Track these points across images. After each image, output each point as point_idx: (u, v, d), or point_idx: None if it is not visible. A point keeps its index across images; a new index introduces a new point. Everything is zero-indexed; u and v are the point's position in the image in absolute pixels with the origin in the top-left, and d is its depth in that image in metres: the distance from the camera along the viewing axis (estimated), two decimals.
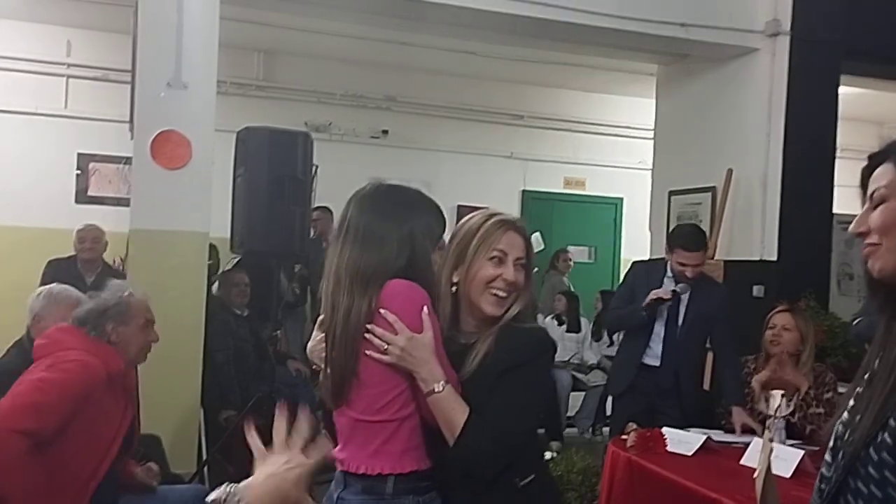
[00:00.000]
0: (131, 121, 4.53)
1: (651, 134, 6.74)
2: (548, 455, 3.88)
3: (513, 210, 8.28)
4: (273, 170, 4.14)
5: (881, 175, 1.28)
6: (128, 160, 5.87)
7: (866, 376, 1.29)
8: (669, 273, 3.99)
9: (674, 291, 3.92)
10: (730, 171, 5.59)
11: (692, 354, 4.12)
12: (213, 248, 5.21)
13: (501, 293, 1.83)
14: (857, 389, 1.30)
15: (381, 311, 1.72)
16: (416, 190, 1.88)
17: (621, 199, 9.01)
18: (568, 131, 8.76)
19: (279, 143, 4.24)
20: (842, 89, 5.53)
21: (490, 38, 6.00)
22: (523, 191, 8.72)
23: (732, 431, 3.57)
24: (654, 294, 3.91)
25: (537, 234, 6.98)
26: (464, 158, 8.30)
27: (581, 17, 5.09)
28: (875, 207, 1.27)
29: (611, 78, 7.87)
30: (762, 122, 5.43)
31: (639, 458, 3.12)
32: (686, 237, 3.94)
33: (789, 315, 3.70)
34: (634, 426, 3.38)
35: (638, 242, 7.64)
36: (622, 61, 6.78)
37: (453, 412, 1.72)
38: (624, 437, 3.35)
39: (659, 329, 4.01)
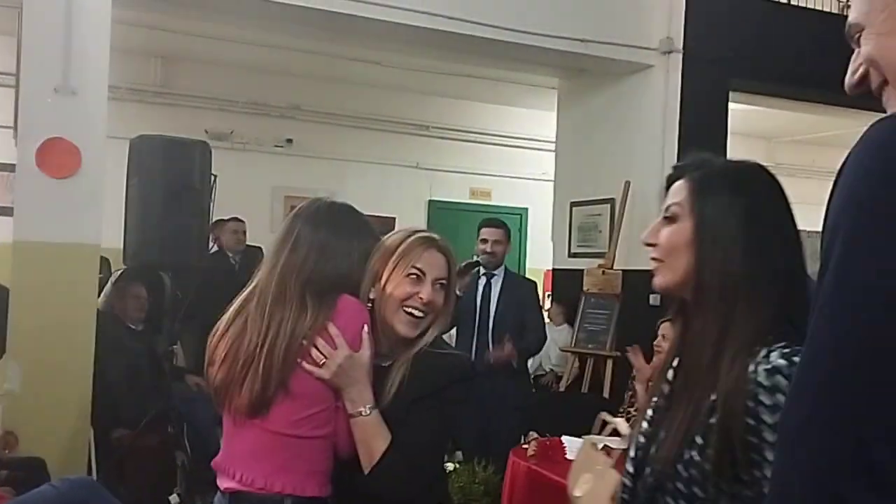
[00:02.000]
0: (15, 127, 4.32)
1: (552, 145, 6.88)
2: (450, 466, 3.90)
3: (419, 220, 8.31)
4: (168, 180, 4.01)
5: (676, 192, 1.32)
6: (11, 168, 5.60)
7: (665, 388, 1.33)
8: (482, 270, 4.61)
9: (474, 262, 4.51)
10: (627, 184, 5.76)
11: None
12: (105, 260, 5.01)
13: (417, 313, 1.78)
14: (654, 399, 1.35)
15: (328, 323, 1.71)
16: (357, 210, 1.89)
17: (526, 210, 9.15)
18: (473, 142, 8.84)
19: (175, 152, 4.12)
20: (731, 105, 5.78)
21: (395, 48, 6.01)
22: (429, 201, 8.75)
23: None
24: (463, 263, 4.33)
25: None
26: (370, 168, 8.27)
27: (484, 31, 5.15)
28: (668, 222, 1.31)
29: (514, 90, 7.99)
30: (657, 135, 5.61)
31: (538, 467, 3.17)
32: (488, 220, 4.73)
33: (670, 325, 3.82)
34: (535, 435, 3.43)
35: (542, 252, 7.78)
36: (525, 74, 6.91)
37: (375, 438, 1.69)
38: (525, 446, 3.39)
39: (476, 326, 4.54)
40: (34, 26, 4.09)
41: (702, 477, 1.17)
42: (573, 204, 6.35)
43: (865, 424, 0.73)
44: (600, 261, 6.00)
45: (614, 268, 5.85)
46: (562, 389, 6.11)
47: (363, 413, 1.69)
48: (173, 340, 4.80)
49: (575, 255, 6.39)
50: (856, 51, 0.92)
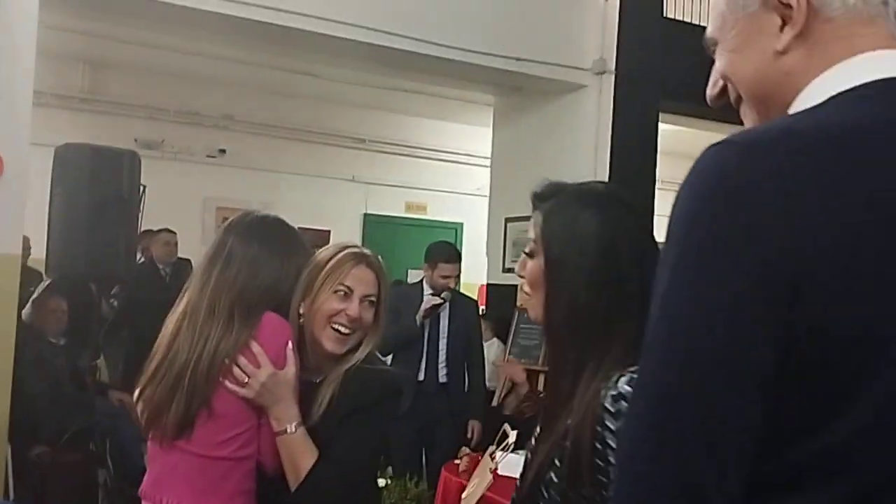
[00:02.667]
0: None
1: (488, 161, 6.94)
2: (382, 482, 3.87)
3: (354, 233, 8.28)
4: (95, 189, 3.92)
5: (532, 226, 1.33)
6: None
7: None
8: (429, 290, 4.55)
9: (442, 298, 4.48)
10: None
11: (457, 367, 4.69)
12: (37, 273, 4.85)
13: (343, 329, 1.76)
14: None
15: (251, 343, 1.69)
16: (292, 226, 1.87)
17: (461, 224, 9.20)
18: (410, 157, 8.86)
19: (102, 161, 4.02)
20: (662, 126, 5.93)
21: (331, 61, 5.99)
22: (365, 214, 8.72)
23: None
24: (427, 302, 4.46)
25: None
26: (305, 181, 8.21)
27: (421, 47, 5.18)
28: (528, 257, 1.33)
29: (451, 106, 8.05)
30: (590, 154, 5.72)
31: (469, 482, 3.17)
32: (447, 252, 4.64)
33: None
34: (467, 450, 3.44)
35: (477, 267, 7.83)
36: (461, 91, 6.96)
37: (301, 455, 1.67)
38: (457, 461, 3.40)
39: (426, 345, 4.57)
40: None
41: (561, 498, 1.20)
42: (508, 220, 6.41)
43: (687, 453, 0.73)
44: None
45: None
46: (494, 404, 6.13)
47: (289, 431, 1.67)
48: (97, 354, 4.66)
49: (509, 271, 6.44)
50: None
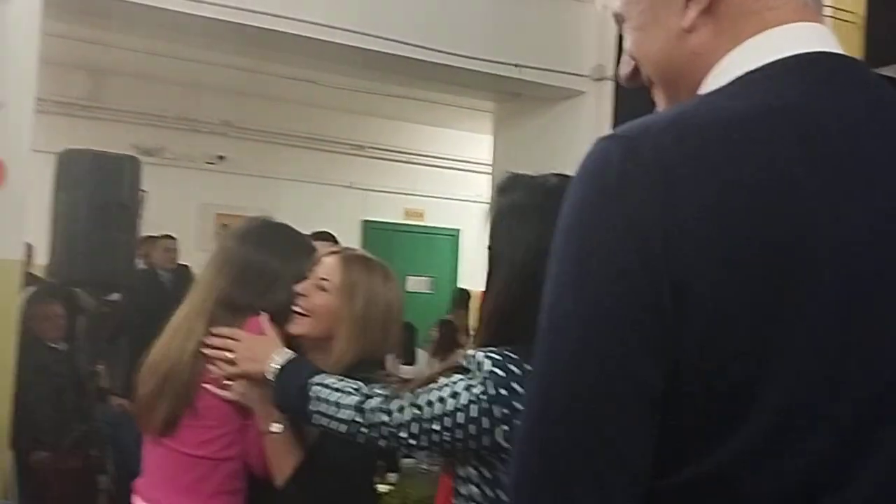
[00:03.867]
0: None
1: (487, 168, 6.96)
2: (384, 488, 3.89)
3: (353, 240, 8.28)
4: (97, 195, 3.94)
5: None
6: None
7: None
8: None
9: None
10: None
11: None
12: (37, 278, 4.85)
13: (295, 308, 1.76)
14: None
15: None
16: (298, 232, 1.88)
17: (459, 231, 9.21)
18: (408, 163, 8.88)
19: (103, 166, 4.04)
20: None
21: (330, 67, 6.02)
22: (364, 220, 8.73)
23: None
24: None
25: None
26: (304, 187, 8.22)
27: (420, 53, 5.20)
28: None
29: (449, 113, 8.07)
30: None
31: None
32: None
33: None
34: None
35: (475, 273, 7.84)
36: (460, 97, 6.99)
37: (286, 454, 1.67)
38: None
39: None
40: None
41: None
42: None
43: (573, 483, 0.68)
44: None
45: None
46: None
47: (274, 430, 1.67)
48: (97, 360, 4.66)
49: None
50: None
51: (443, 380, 1.35)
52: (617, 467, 0.68)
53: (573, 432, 0.68)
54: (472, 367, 1.31)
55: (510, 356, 1.29)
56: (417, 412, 1.34)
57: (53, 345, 4.72)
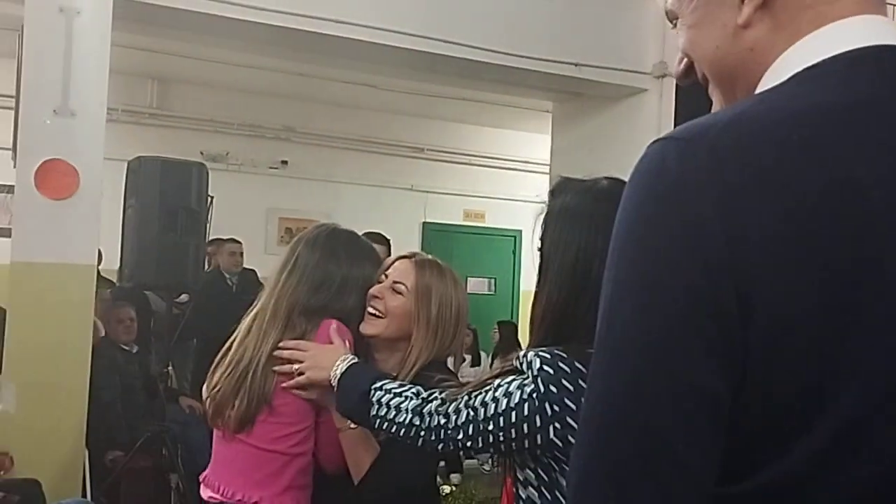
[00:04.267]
0: (14, 148, 4.32)
1: (547, 168, 6.92)
2: (447, 489, 3.91)
3: (414, 242, 8.33)
4: (166, 201, 4.04)
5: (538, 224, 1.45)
6: (9, 189, 5.60)
7: None
8: None
9: None
10: None
11: None
12: (109, 282, 5.01)
13: (370, 309, 1.84)
14: None
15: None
16: (364, 239, 1.97)
17: (520, 232, 9.18)
18: (468, 164, 8.89)
19: (173, 173, 4.15)
20: None
21: (389, 71, 6.06)
22: (424, 223, 8.77)
23: None
24: None
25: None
26: (364, 190, 8.30)
27: (477, 54, 5.20)
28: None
29: (508, 113, 8.06)
30: None
31: None
32: None
33: None
34: None
35: (536, 274, 7.79)
36: (519, 97, 6.96)
37: (363, 451, 1.73)
38: None
39: None
40: (34, 48, 4.11)
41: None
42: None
43: (634, 486, 0.67)
44: None
45: None
46: None
47: (350, 426, 1.72)
48: (167, 362, 4.79)
49: None
50: None
51: (497, 381, 1.36)
52: (680, 475, 0.67)
53: (636, 440, 0.67)
54: (524, 366, 1.32)
55: (560, 354, 1.31)
56: (472, 413, 1.36)
57: (125, 347, 4.87)
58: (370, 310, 1.83)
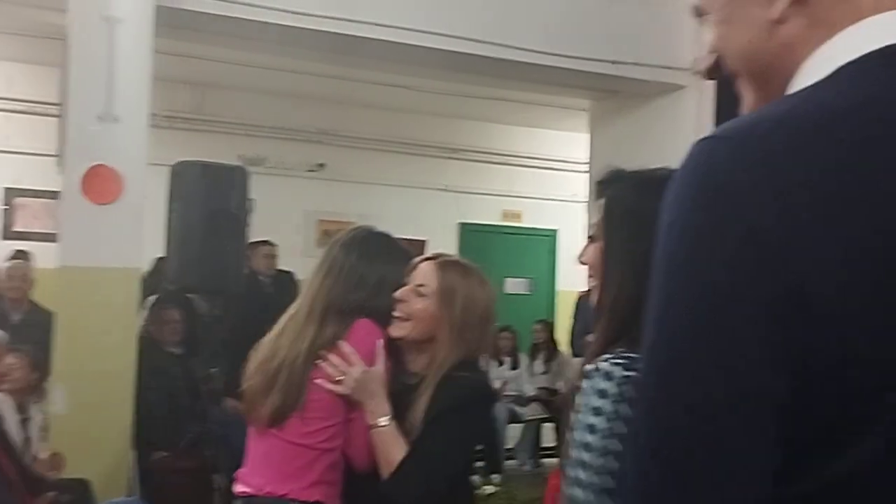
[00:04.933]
0: (60, 155, 4.41)
1: (583, 167, 6.88)
2: (489, 489, 3.91)
3: (450, 243, 8.34)
4: (208, 204, 4.09)
5: (595, 211, 1.37)
6: (55, 195, 5.71)
7: None
8: None
9: None
10: None
11: None
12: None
13: (395, 312, 1.87)
14: None
15: (340, 342, 1.82)
16: (398, 241, 2.02)
17: (556, 231, 9.15)
18: (504, 164, 8.88)
19: (214, 177, 4.19)
20: None
21: (424, 72, 6.07)
22: (460, 223, 8.78)
23: None
24: None
25: None
26: (400, 192, 8.33)
27: (513, 54, 5.19)
28: (591, 241, 1.37)
29: (544, 113, 8.03)
30: None
31: None
32: None
33: None
34: None
35: (573, 274, 7.75)
36: (555, 97, 6.93)
37: (393, 447, 1.75)
38: None
39: None
40: (79, 57, 4.19)
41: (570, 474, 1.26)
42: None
43: (693, 490, 0.66)
44: None
45: None
46: None
47: (380, 424, 1.77)
48: (212, 364, 4.85)
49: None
50: None
51: (579, 400, 1.30)
52: (740, 477, 0.66)
53: (694, 444, 0.66)
54: (601, 379, 1.26)
55: (631, 357, 1.27)
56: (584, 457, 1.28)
57: (170, 349, 4.94)
58: (395, 313, 1.86)
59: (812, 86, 0.71)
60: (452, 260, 1.95)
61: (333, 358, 1.81)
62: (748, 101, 0.80)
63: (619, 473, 1.21)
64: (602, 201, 1.35)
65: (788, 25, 0.74)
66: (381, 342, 1.84)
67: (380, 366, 1.82)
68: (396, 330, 1.86)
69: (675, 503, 0.67)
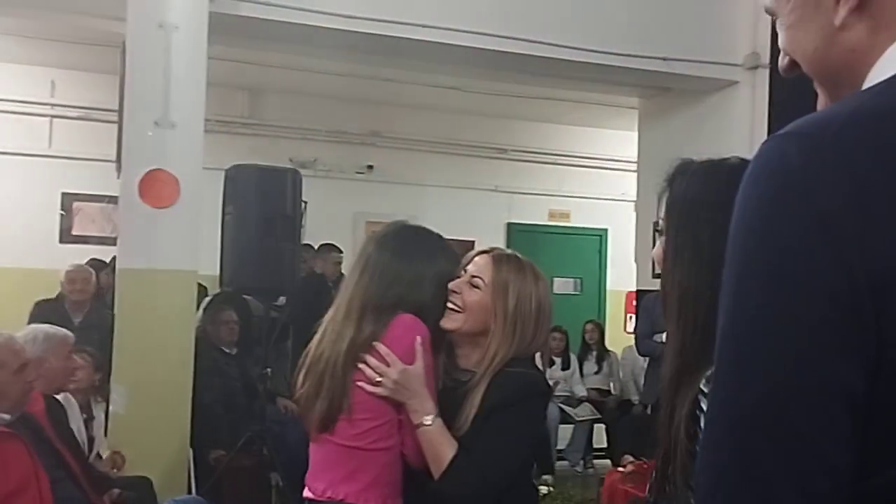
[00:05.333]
0: (118, 160, 4.51)
1: (633, 166, 6.81)
2: (543, 490, 3.89)
3: (498, 243, 8.32)
4: (262, 207, 4.15)
5: (662, 205, 1.33)
6: (112, 199, 5.85)
7: None
8: None
9: None
10: None
11: None
12: (201, 287, 5.18)
13: (449, 304, 1.85)
14: None
15: (376, 343, 1.78)
16: (434, 233, 1.97)
17: (606, 231, 9.07)
18: (552, 164, 8.83)
19: (268, 180, 4.26)
20: None
21: (473, 73, 6.08)
22: (509, 223, 8.76)
23: None
24: None
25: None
26: (449, 192, 8.34)
27: (562, 53, 5.16)
28: (659, 235, 1.33)
29: (593, 111, 7.97)
30: (744, 153, 5.48)
31: (635, 489, 3.12)
32: None
33: None
34: (631, 458, 3.39)
35: (623, 274, 7.68)
36: (605, 95, 6.88)
37: (441, 446, 1.73)
38: (621, 468, 3.35)
39: None
40: (136, 64, 4.29)
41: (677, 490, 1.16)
42: (657, 224, 6.27)
43: (772, 486, 0.66)
44: None
45: None
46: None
47: (426, 423, 1.74)
48: (267, 364, 4.92)
49: (659, 276, 6.28)
50: None
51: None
52: (819, 471, 0.66)
53: (773, 438, 0.66)
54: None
55: None
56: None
57: (227, 349, 5.02)
58: (449, 304, 1.84)
59: (883, 82, 0.71)
60: (507, 254, 1.93)
61: (370, 359, 1.79)
62: (821, 101, 0.82)
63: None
64: (668, 193, 1.32)
65: (851, 32, 0.75)
66: (419, 338, 1.80)
67: (419, 363, 1.77)
68: (450, 322, 1.84)
69: (752, 497, 0.67)
